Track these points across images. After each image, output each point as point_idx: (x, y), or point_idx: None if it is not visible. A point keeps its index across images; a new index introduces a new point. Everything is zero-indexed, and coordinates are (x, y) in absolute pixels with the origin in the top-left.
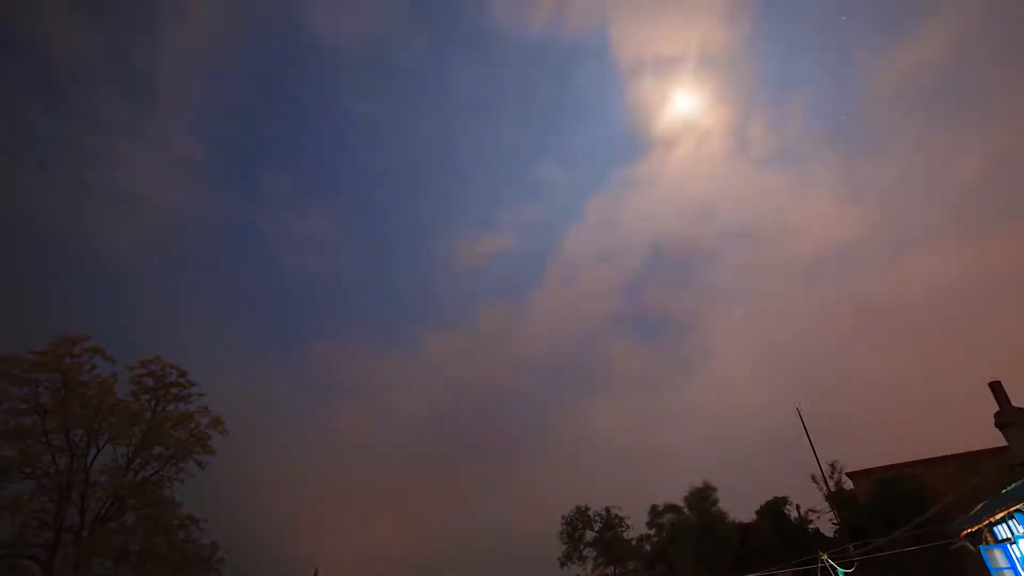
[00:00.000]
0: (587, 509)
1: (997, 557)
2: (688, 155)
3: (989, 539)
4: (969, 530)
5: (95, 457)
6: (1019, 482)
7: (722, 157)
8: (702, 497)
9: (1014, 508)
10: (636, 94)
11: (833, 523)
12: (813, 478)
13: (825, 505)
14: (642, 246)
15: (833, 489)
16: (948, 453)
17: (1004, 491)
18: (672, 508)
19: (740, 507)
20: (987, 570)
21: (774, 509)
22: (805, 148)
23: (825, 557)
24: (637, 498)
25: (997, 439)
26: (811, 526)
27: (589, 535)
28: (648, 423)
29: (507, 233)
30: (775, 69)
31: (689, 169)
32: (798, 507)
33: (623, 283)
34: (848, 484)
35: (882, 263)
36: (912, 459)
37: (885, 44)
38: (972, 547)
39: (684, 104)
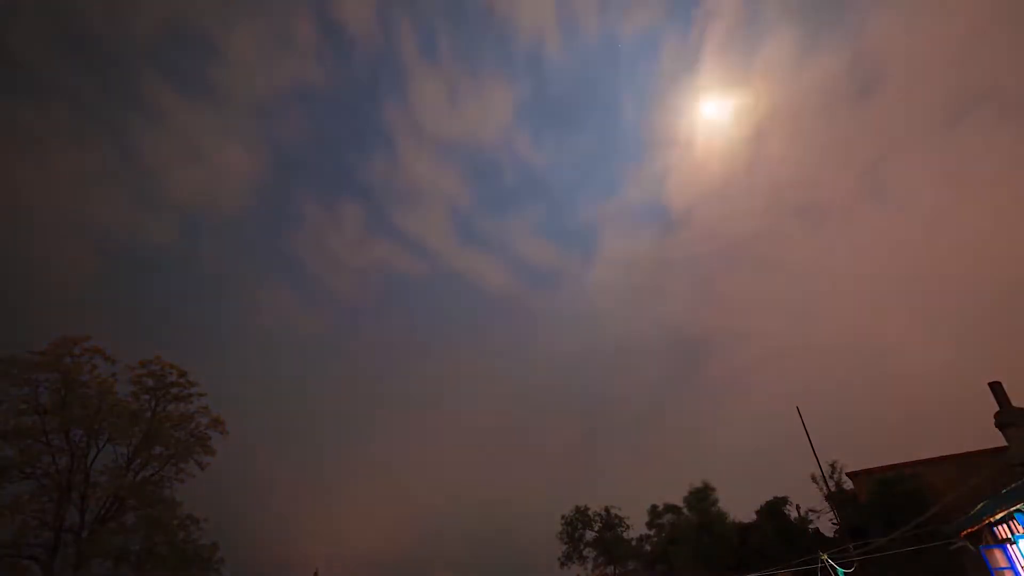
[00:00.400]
0: (587, 509)
1: (997, 557)
2: None
3: (989, 539)
4: (969, 530)
5: (95, 457)
6: (1019, 482)
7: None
8: (702, 497)
9: (1014, 508)
10: None
11: (833, 523)
12: (813, 478)
13: (825, 505)
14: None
15: (833, 489)
16: (948, 453)
17: (1004, 491)
18: (672, 508)
19: (740, 507)
20: (987, 570)
21: (774, 509)
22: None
23: (825, 557)
24: (637, 498)
25: (997, 439)
26: (811, 526)
27: (589, 535)
28: (650, 423)
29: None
30: None
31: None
32: (798, 507)
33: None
34: (848, 484)
35: (881, 264)
36: (912, 459)
37: None
38: (972, 547)
39: None
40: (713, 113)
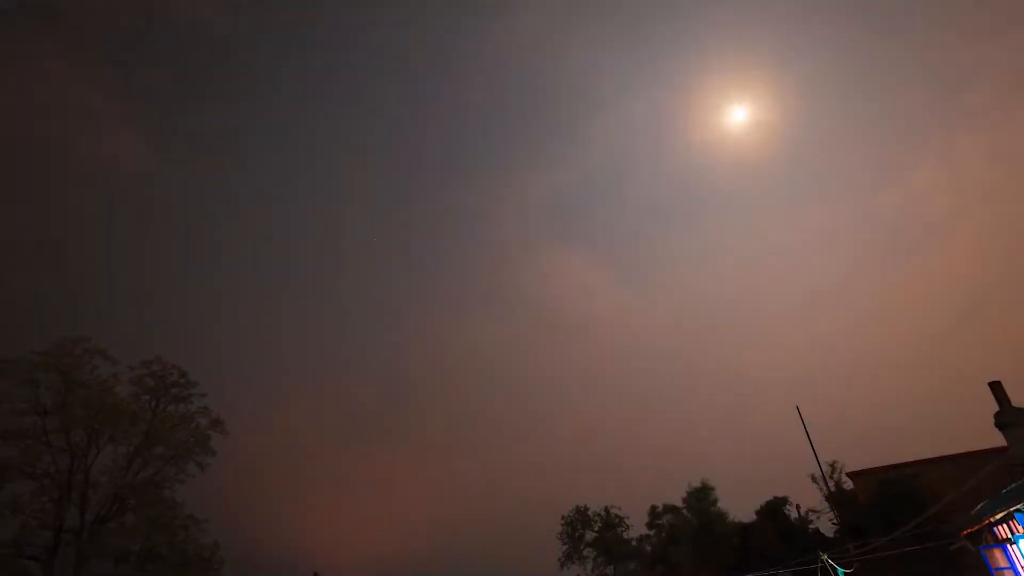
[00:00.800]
0: (587, 509)
1: (997, 557)
2: None
3: (989, 539)
4: (969, 530)
5: (95, 457)
6: (1019, 482)
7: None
8: (701, 497)
9: (1014, 508)
10: None
11: (833, 523)
12: (813, 478)
13: (825, 505)
14: None
15: (833, 489)
16: (948, 453)
17: (1004, 491)
18: (672, 508)
19: (740, 507)
20: (987, 570)
21: (774, 509)
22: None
23: (825, 557)
24: (637, 498)
25: (997, 439)
26: (811, 526)
27: (589, 535)
28: (649, 421)
29: None
30: None
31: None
32: (798, 507)
33: None
34: (848, 484)
35: (880, 264)
36: (912, 459)
37: None
38: (972, 547)
39: None
40: None
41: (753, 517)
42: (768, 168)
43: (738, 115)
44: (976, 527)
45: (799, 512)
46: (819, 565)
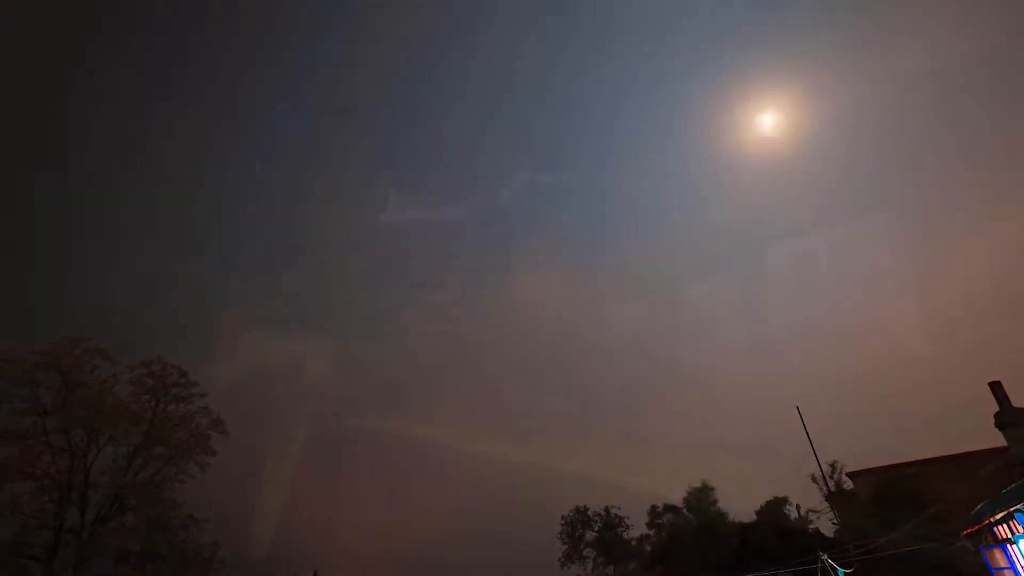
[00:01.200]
0: (587, 509)
1: (997, 557)
2: None
3: (989, 539)
4: (969, 530)
5: (95, 457)
6: (1019, 482)
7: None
8: (701, 497)
9: (1014, 508)
10: None
11: (833, 523)
12: (813, 478)
13: (825, 505)
14: None
15: (833, 489)
16: (948, 453)
17: (1004, 491)
18: (672, 508)
19: (740, 507)
20: (987, 570)
21: (774, 509)
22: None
23: (825, 557)
24: (637, 498)
25: (997, 439)
26: (811, 526)
27: (589, 535)
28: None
29: None
30: None
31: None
32: (798, 507)
33: None
34: (848, 484)
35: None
36: (912, 459)
37: None
38: (972, 547)
39: None
40: None
41: (753, 517)
42: (781, 175)
43: (764, 124)
44: (976, 527)
45: (799, 512)
46: (819, 565)
